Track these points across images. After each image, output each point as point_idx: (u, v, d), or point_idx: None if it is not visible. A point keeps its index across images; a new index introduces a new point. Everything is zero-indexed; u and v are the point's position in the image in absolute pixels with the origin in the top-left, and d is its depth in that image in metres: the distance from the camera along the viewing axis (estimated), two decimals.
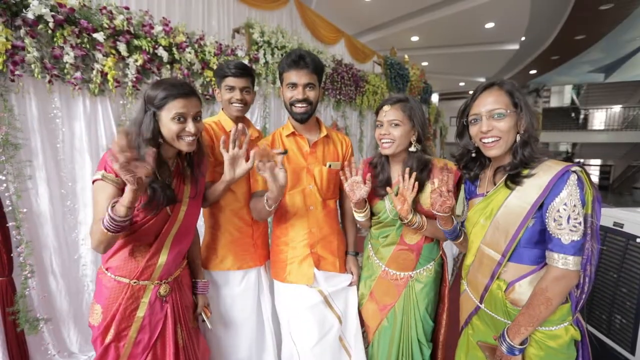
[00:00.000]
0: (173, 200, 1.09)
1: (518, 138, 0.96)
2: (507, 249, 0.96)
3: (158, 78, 2.22)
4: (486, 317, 1.06)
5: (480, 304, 1.06)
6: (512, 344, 0.93)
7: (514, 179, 0.96)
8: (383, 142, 1.23)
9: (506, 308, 0.99)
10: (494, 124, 0.95)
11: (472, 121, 1.01)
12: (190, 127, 1.06)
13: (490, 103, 0.96)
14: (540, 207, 0.91)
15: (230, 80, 1.38)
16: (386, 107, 1.22)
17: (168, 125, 1.04)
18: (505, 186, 0.98)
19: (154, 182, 1.04)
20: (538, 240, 0.94)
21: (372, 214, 1.36)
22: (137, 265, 1.08)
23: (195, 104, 1.08)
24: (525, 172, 0.94)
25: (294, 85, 1.28)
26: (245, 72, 1.40)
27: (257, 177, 1.38)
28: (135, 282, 1.09)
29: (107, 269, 1.10)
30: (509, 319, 0.99)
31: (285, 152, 1.11)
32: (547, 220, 0.90)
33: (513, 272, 0.98)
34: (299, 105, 1.29)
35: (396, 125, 1.20)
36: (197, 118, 1.09)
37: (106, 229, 0.91)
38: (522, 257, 0.96)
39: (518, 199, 0.94)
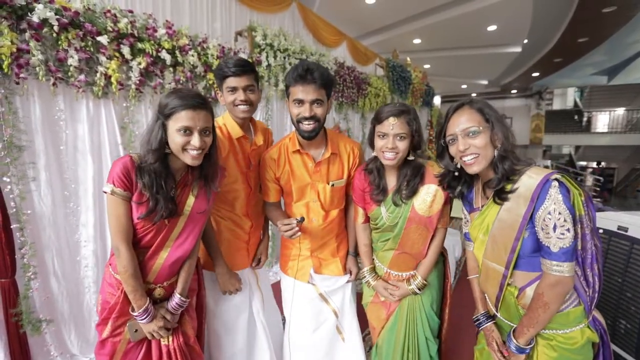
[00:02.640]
0: (174, 213, 1.09)
1: (496, 153, 0.97)
2: (509, 261, 0.97)
3: (161, 81, 2.23)
4: (502, 324, 1.08)
5: (497, 312, 1.07)
6: (517, 343, 0.97)
7: (499, 195, 0.98)
8: (387, 154, 1.20)
9: (519, 313, 1.00)
10: (469, 141, 0.98)
11: (450, 141, 1.04)
12: (195, 141, 1.02)
13: (463, 122, 0.99)
14: (531, 217, 0.92)
15: (231, 81, 1.27)
16: (392, 120, 1.17)
17: (173, 136, 1.02)
18: (494, 202, 1.00)
19: (159, 193, 1.03)
20: (538, 248, 0.94)
21: (371, 219, 1.37)
22: None
23: (204, 118, 1.04)
24: (509, 187, 0.96)
25: (300, 102, 1.23)
26: (247, 69, 1.28)
27: (267, 191, 1.42)
28: None
29: (109, 264, 1.13)
30: None
31: (302, 220, 1.22)
32: (536, 229, 0.92)
33: (522, 279, 0.99)
34: (306, 123, 1.24)
35: (402, 138, 1.19)
36: (205, 132, 1.05)
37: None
38: (527, 265, 0.97)
39: (509, 212, 0.96)
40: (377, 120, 1.22)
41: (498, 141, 0.97)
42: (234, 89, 1.28)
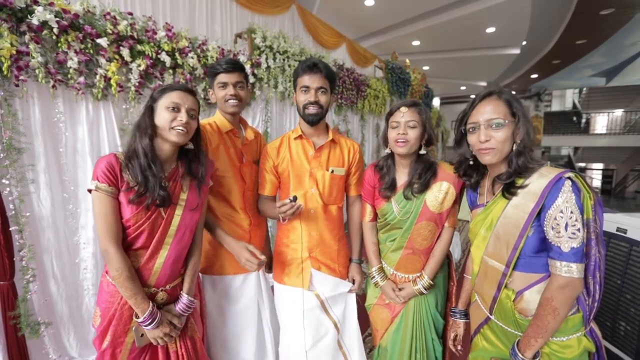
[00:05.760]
0: (167, 200, 1.07)
1: (514, 147, 0.95)
2: (510, 259, 0.95)
3: (161, 83, 2.23)
4: (496, 328, 1.04)
5: (491, 314, 1.04)
6: (523, 357, 0.91)
7: (509, 189, 0.96)
8: (399, 142, 1.24)
9: (515, 318, 0.97)
10: (491, 133, 0.95)
11: (471, 129, 1.01)
12: (182, 116, 1.08)
13: (488, 112, 0.95)
14: (538, 216, 0.90)
15: (222, 77, 1.37)
16: (403, 109, 1.25)
17: (162, 114, 1.07)
18: (502, 196, 0.98)
19: (148, 172, 1.04)
20: (542, 249, 0.92)
21: (379, 216, 1.38)
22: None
23: (191, 100, 1.12)
24: (520, 182, 0.94)
25: (307, 89, 1.32)
26: (237, 66, 1.39)
27: (264, 183, 1.43)
28: None
29: (106, 272, 1.09)
30: (519, 330, 0.98)
31: (295, 199, 1.18)
32: (545, 229, 0.89)
33: (521, 281, 0.96)
34: (311, 107, 1.32)
35: (412, 126, 1.24)
36: (191, 114, 1.11)
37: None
38: (528, 266, 0.95)
39: (515, 208, 0.94)
40: (390, 113, 1.31)
41: (519, 136, 0.95)
42: (224, 85, 1.38)
